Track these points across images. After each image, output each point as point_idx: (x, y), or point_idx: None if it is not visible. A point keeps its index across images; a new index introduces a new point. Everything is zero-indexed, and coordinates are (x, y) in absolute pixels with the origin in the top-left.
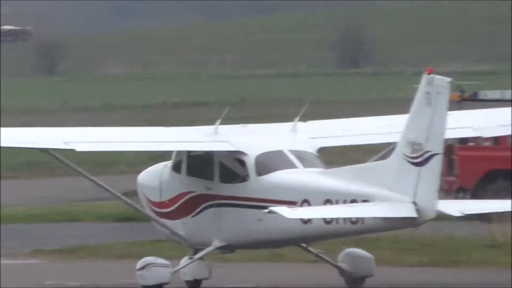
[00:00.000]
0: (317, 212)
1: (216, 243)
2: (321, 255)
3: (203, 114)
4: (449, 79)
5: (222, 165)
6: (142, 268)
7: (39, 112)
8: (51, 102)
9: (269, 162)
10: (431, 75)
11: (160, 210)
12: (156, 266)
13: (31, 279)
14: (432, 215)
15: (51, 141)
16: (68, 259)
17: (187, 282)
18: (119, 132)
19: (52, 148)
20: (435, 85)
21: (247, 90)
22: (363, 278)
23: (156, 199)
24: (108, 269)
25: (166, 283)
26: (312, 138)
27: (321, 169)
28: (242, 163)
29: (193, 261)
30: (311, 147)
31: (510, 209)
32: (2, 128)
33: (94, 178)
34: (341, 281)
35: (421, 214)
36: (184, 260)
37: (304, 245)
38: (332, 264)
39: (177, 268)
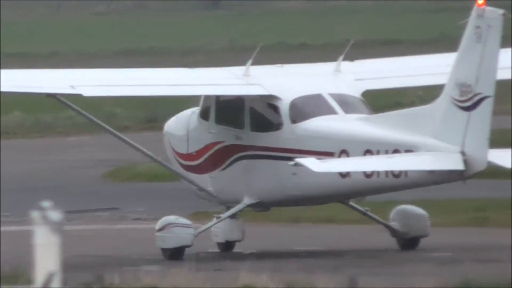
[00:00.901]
0: (349, 164)
1: (247, 200)
2: (368, 213)
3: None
4: (502, 11)
5: (253, 112)
6: (161, 229)
7: (204, 52)
8: (215, 41)
9: (306, 107)
10: (482, 7)
11: (187, 163)
12: (177, 226)
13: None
14: (482, 167)
15: (56, 85)
16: None
17: (219, 244)
18: (135, 74)
19: (58, 93)
20: (486, 18)
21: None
22: (416, 239)
23: (183, 150)
24: None
25: (187, 246)
26: (357, 79)
27: (363, 115)
28: (275, 108)
29: (219, 221)
30: (355, 90)
31: None
32: (2, 71)
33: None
34: (392, 242)
35: (470, 166)
36: (212, 221)
37: (347, 202)
38: (382, 223)
39: (201, 229)
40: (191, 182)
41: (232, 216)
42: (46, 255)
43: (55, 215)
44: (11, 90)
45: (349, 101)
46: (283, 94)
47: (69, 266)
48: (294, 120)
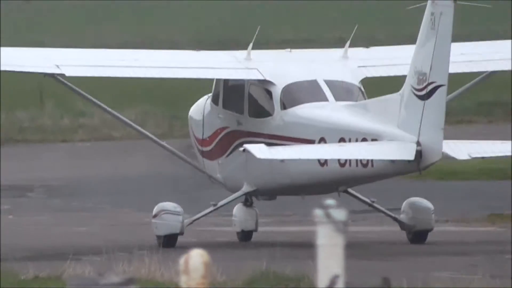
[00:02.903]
0: (292, 152)
1: (245, 188)
2: (374, 204)
3: None
4: None
5: (251, 96)
6: (155, 216)
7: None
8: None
9: (298, 93)
10: None
11: (203, 148)
12: (168, 213)
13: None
14: (436, 157)
15: (42, 63)
16: None
17: (237, 233)
18: (127, 55)
19: (45, 73)
20: (439, 4)
21: None
22: (423, 233)
23: (199, 135)
24: None
25: (178, 234)
26: (360, 66)
27: (352, 103)
28: (269, 94)
29: (216, 209)
30: (355, 77)
31: None
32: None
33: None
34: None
35: (425, 157)
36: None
37: (355, 193)
38: (389, 216)
39: (195, 217)
40: (203, 168)
41: (248, 205)
42: (329, 257)
43: (340, 214)
44: None
45: (344, 87)
46: (277, 79)
47: (352, 268)
48: (284, 106)
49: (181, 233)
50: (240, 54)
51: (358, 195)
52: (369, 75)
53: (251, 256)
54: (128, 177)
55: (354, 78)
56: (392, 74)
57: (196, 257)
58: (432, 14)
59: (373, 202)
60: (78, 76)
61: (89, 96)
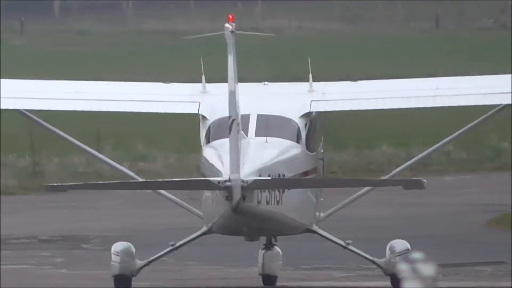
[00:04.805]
0: None
1: (204, 228)
2: (349, 246)
3: None
4: (231, 28)
5: (202, 130)
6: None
7: None
8: None
9: (220, 128)
10: (232, 22)
11: None
12: (115, 254)
13: None
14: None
15: None
16: None
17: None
18: (71, 87)
19: None
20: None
21: None
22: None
23: None
24: None
25: (121, 276)
26: (313, 100)
27: (272, 138)
28: (204, 127)
29: (174, 249)
30: (298, 112)
31: None
32: None
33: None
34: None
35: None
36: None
37: (326, 234)
38: (366, 258)
39: (151, 258)
40: None
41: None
42: None
43: (428, 268)
44: None
45: (277, 123)
46: (210, 113)
47: None
48: (208, 141)
49: (133, 275)
50: (197, 86)
51: (330, 236)
52: (321, 109)
53: None
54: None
55: (295, 112)
56: (345, 108)
57: None
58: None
59: (348, 244)
60: (10, 108)
61: (59, 131)
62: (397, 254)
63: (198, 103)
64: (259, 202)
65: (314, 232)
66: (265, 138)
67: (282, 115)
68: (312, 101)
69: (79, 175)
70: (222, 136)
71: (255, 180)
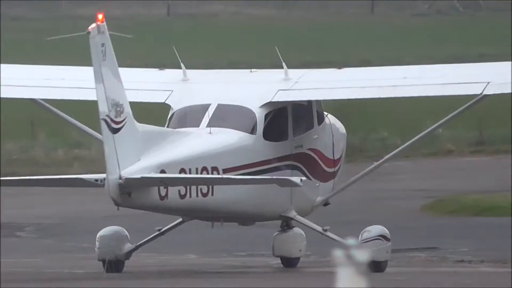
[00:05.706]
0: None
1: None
2: (327, 233)
3: None
4: (89, 29)
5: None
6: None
7: None
8: None
9: (182, 118)
10: (103, 23)
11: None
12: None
13: None
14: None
15: None
16: None
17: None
18: (53, 72)
19: None
20: (106, 34)
21: None
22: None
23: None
24: None
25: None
26: (281, 90)
27: (217, 129)
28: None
29: (160, 234)
30: (259, 101)
31: None
32: None
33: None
34: None
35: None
36: None
37: (304, 221)
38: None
39: (139, 243)
40: None
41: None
42: None
43: (362, 255)
44: None
45: (233, 113)
46: (175, 102)
47: None
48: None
49: (118, 260)
50: (187, 74)
51: (307, 223)
52: (284, 98)
53: None
54: (131, 214)
55: (255, 102)
56: (314, 98)
57: None
58: (103, 45)
59: (325, 230)
60: None
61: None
62: (364, 241)
63: (170, 92)
64: (163, 196)
65: (291, 218)
66: (209, 129)
67: (241, 104)
68: (279, 90)
69: (13, 162)
70: (182, 125)
71: (127, 179)
